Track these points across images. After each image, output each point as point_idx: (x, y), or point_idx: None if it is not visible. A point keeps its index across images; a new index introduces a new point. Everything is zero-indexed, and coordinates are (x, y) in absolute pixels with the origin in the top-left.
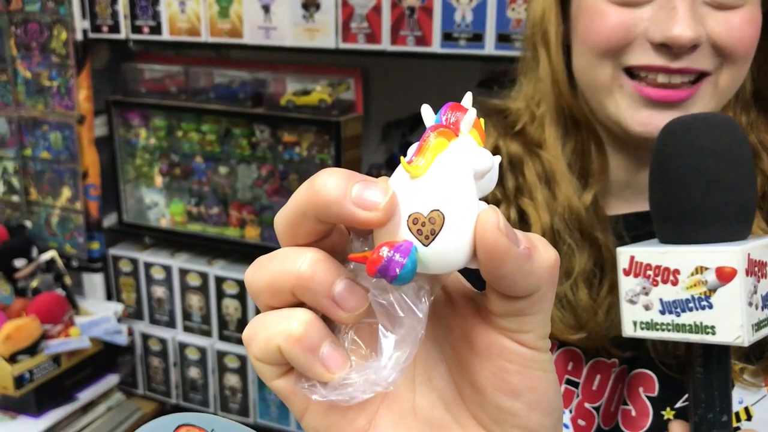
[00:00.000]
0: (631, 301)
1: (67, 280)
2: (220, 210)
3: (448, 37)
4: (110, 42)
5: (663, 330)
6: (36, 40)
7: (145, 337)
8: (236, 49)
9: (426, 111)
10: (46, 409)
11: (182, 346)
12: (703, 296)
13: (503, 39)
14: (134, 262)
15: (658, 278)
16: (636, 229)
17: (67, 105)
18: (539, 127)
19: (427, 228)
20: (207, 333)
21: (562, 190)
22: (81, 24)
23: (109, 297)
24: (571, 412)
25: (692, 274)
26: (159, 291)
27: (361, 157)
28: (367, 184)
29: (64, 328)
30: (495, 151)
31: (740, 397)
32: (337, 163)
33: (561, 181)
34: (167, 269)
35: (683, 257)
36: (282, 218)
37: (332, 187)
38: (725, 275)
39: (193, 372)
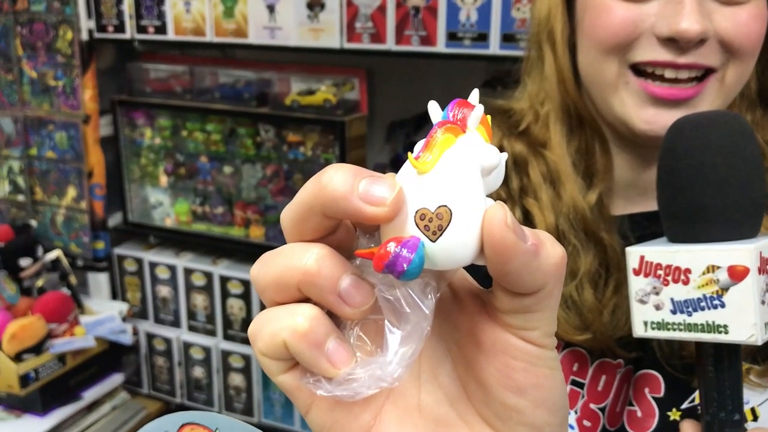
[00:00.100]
0: (642, 301)
1: (72, 280)
2: (224, 210)
3: (452, 37)
4: (115, 42)
5: (674, 330)
6: (41, 39)
7: (150, 337)
8: (241, 48)
9: (433, 107)
10: (51, 408)
11: (187, 346)
12: (715, 295)
13: (508, 39)
14: (139, 261)
15: (669, 278)
16: (641, 229)
17: (72, 105)
18: (543, 126)
19: (435, 224)
20: (211, 332)
21: (566, 189)
22: (86, 24)
23: (113, 296)
24: (576, 412)
25: (704, 273)
26: (164, 290)
27: (366, 157)
28: (374, 180)
29: (69, 328)
30: (499, 151)
31: (746, 397)
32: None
33: (566, 181)
34: (172, 269)
35: (694, 256)
36: (288, 214)
37: (339, 182)
38: (737, 274)
39: (198, 371)
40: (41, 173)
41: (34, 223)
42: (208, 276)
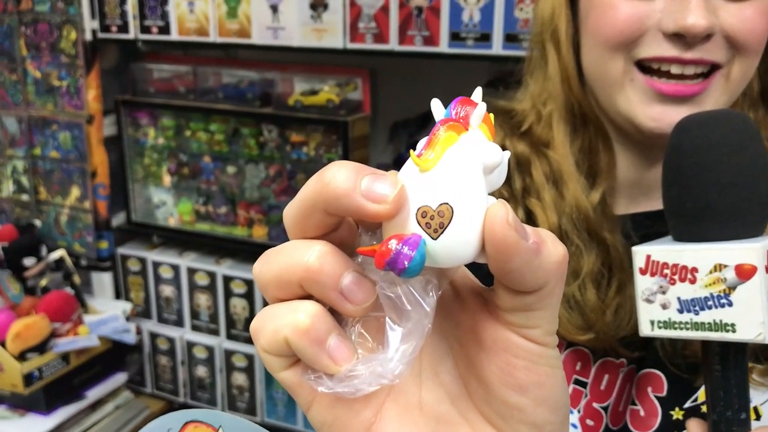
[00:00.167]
0: (648, 300)
1: (76, 279)
2: (228, 209)
3: (455, 37)
4: (119, 42)
5: (681, 329)
6: (45, 40)
7: (153, 336)
8: (244, 49)
9: (436, 105)
10: (54, 407)
11: (190, 345)
12: (722, 294)
13: (511, 39)
14: (142, 261)
15: (676, 277)
16: (644, 228)
17: (76, 105)
18: (546, 126)
19: (436, 221)
20: (215, 332)
21: (570, 189)
22: (90, 24)
23: (117, 296)
24: (579, 411)
25: (711, 272)
26: (167, 290)
27: (369, 157)
28: (376, 177)
29: (72, 327)
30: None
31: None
32: None
33: (569, 181)
34: (175, 268)
35: (701, 255)
36: (291, 211)
37: (342, 179)
38: (745, 272)
39: (201, 371)
40: (45, 173)
41: (38, 222)
42: (212, 276)
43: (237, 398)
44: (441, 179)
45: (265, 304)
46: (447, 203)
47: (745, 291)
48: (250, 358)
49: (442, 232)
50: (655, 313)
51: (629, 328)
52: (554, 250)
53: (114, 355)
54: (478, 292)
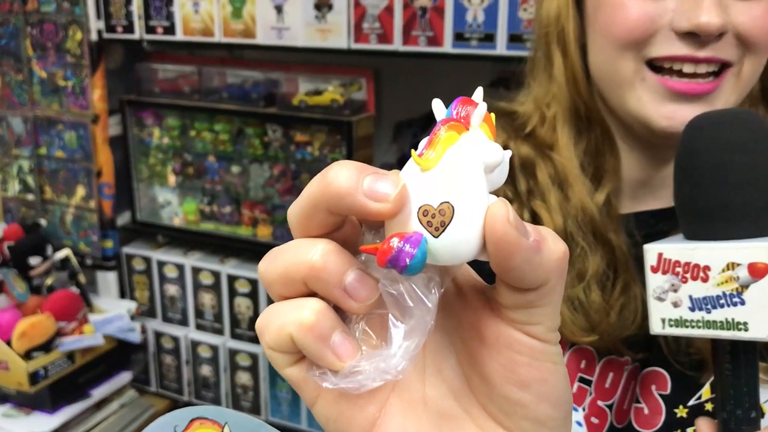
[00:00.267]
0: (659, 299)
1: (81, 278)
2: (232, 209)
3: (459, 37)
4: (124, 42)
5: (692, 327)
6: (51, 40)
7: (158, 335)
8: (249, 49)
9: (437, 105)
10: (60, 406)
11: (194, 344)
12: (734, 292)
13: (515, 39)
14: (147, 260)
15: (688, 275)
16: (647, 227)
17: (81, 104)
18: (550, 129)
19: (437, 220)
20: (219, 331)
21: (575, 191)
22: (96, 24)
23: (122, 295)
24: (584, 409)
25: (723, 271)
26: (172, 289)
27: (373, 157)
28: (378, 176)
29: (78, 326)
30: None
31: None
32: None
33: (574, 183)
34: (180, 268)
35: (714, 253)
36: (295, 210)
37: (344, 179)
38: (758, 271)
39: (205, 370)
40: (50, 172)
41: (43, 222)
42: (216, 275)
43: (241, 397)
44: (442, 178)
45: (270, 302)
46: (448, 202)
47: (757, 290)
48: (254, 357)
49: (443, 231)
50: (666, 312)
51: (633, 329)
52: (554, 247)
53: (119, 354)
54: (480, 290)
